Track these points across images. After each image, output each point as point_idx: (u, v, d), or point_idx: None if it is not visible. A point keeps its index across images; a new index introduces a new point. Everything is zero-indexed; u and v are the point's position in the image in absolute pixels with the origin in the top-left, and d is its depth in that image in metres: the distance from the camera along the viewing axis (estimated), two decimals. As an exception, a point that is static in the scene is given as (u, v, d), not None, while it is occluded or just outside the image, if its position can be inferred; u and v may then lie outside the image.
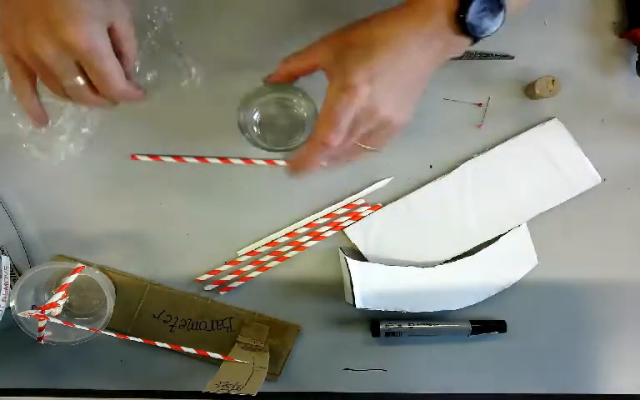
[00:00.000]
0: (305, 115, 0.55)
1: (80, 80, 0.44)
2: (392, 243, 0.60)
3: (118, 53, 0.45)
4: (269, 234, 0.60)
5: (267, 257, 0.60)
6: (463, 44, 0.45)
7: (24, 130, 0.58)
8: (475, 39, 0.44)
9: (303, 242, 0.60)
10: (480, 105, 0.61)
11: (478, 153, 0.61)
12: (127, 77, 0.46)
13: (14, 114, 0.57)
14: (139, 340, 0.54)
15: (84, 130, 0.59)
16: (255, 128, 0.56)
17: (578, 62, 0.61)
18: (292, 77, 0.49)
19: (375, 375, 0.60)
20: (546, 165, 0.61)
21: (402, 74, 0.44)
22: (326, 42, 0.46)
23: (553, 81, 0.58)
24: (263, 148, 0.54)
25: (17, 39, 0.42)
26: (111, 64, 0.44)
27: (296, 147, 0.55)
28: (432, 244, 0.60)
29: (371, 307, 0.56)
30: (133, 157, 0.59)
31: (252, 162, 0.60)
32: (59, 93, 0.46)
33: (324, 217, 0.60)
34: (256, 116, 0.56)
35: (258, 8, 0.59)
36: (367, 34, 0.44)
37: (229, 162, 0.60)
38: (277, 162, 0.60)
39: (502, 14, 0.43)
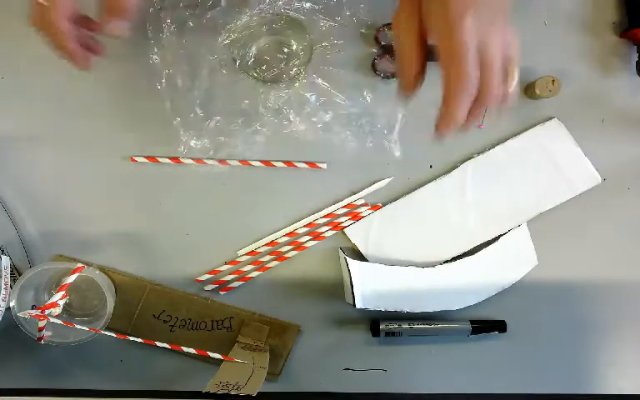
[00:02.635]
0: (298, 46, 0.56)
1: None
2: (392, 243, 0.60)
3: None
4: (269, 234, 0.60)
5: (267, 257, 0.60)
6: None
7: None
8: None
9: (303, 242, 0.60)
10: (480, 105, 0.61)
11: (478, 153, 0.61)
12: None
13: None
14: (139, 340, 0.54)
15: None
16: (250, 64, 0.56)
17: (578, 62, 0.61)
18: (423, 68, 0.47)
19: (375, 375, 0.60)
20: (546, 165, 0.60)
21: None
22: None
23: (553, 81, 0.58)
24: (257, 79, 0.55)
25: None
26: None
27: (291, 78, 0.55)
28: (432, 244, 0.60)
29: (371, 307, 0.56)
30: (133, 159, 0.59)
31: (250, 164, 0.60)
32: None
33: (324, 217, 0.60)
34: (251, 52, 0.56)
35: None
36: None
37: (226, 163, 0.60)
38: (275, 163, 0.60)
39: None
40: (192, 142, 0.58)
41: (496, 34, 0.43)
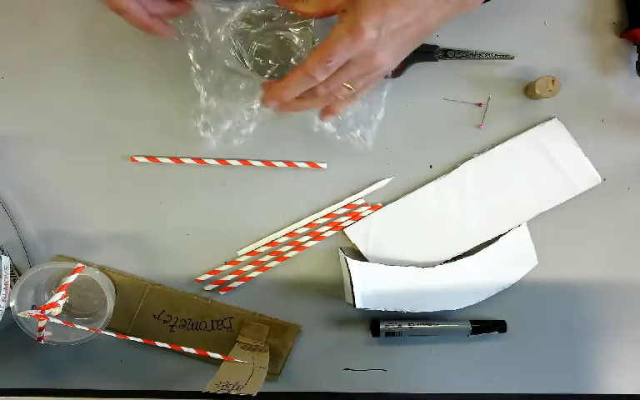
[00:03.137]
0: (300, 41, 0.56)
1: None
2: (392, 243, 0.60)
3: None
4: (269, 234, 0.60)
5: (267, 257, 0.60)
6: (479, 1, 0.46)
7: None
8: None
9: (303, 242, 0.60)
10: (480, 105, 0.61)
11: (478, 153, 0.61)
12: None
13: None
14: (139, 340, 0.54)
15: (244, 131, 0.58)
16: (251, 61, 0.56)
17: (578, 62, 0.61)
18: (308, 17, 0.50)
19: (375, 375, 0.60)
20: (546, 165, 0.60)
21: (409, 26, 0.45)
22: None
23: (553, 81, 0.58)
24: (259, 74, 0.55)
25: None
26: None
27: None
28: (432, 244, 0.60)
29: (371, 307, 0.56)
30: (133, 159, 0.59)
31: (250, 164, 0.60)
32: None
33: (324, 217, 0.60)
34: (252, 47, 0.56)
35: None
36: None
37: (227, 163, 0.60)
38: (275, 163, 0.60)
39: None
40: (197, 125, 0.57)
41: (383, 53, 0.45)
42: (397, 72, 0.59)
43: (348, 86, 0.48)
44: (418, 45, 0.48)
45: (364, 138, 0.58)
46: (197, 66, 0.55)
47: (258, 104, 0.57)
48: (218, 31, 0.54)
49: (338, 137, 0.57)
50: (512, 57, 0.60)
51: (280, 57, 0.57)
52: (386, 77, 0.56)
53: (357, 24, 0.43)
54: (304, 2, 0.48)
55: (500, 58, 0.60)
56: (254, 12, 0.54)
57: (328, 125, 0.57)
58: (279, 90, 0.48)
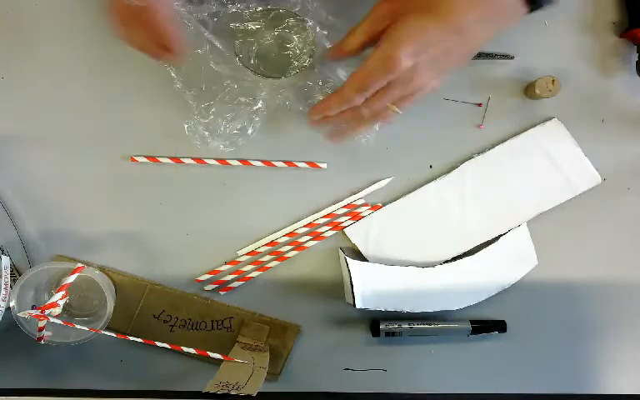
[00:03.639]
0: (302, 47, 0.57)
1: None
2: (392, 243, 0.60)
3: None
4: (269, 234, 0.60)
5: (267, 257, 0.60)
6: (523, 15, 0.46)
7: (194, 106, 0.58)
8: (538, 8, 0.45)
9: (303, 242, 0.60)
10: (480, 105, 0.61)
11: (478, 153, 0.61)
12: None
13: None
14: (139, 340, 0.54)
15: (249, 131, 0.58)
16: (252, 60, 0.57)
17: (578, 62, 0.61)
18: (362, 49, 0.49)
19: (375, 375, 0.60)
20: (546, 165, 0.60)
21: (451, 51, 0.44)
22: (387, 4, 0.45)
23: (553, 81, 0.58)
24: (258, 74, 0.56)
25: None
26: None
27: (290, 75, 0.56)
28: (432, 244, 0.60)
29: (371, 307, 0.56)
30: (133, 159, 0.59)
31: (250, 164, 0.60)
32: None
33: (324, 217, 0.60)
34: (253, 47, 0.57)
35: None
36: (428, 3, 0.43)
37: (227, 163, 0.60)
38: (275, 163, 0.60)
39: None
40: (194, 130, 0.57)
41: (422, 76, 0.45)
42: None
43: (396, 109, 0.48)
44: (466, 62, 0.47)
45: (370, 135, 0.58)
46: (182, 80, 0.56)
47: (259, 105, 0.57)
48: (211, 28, 0.54)
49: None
50: (512, 57, 0.60)
51: (279, 56, 0.57)
52: None
53: (391, 55, 0.43)
54: (351, 35, 0.48)
55: (500, 58, 0.60)
56: (251, 11, 0.54)
57: None
58: (320, 107, 0.50)
